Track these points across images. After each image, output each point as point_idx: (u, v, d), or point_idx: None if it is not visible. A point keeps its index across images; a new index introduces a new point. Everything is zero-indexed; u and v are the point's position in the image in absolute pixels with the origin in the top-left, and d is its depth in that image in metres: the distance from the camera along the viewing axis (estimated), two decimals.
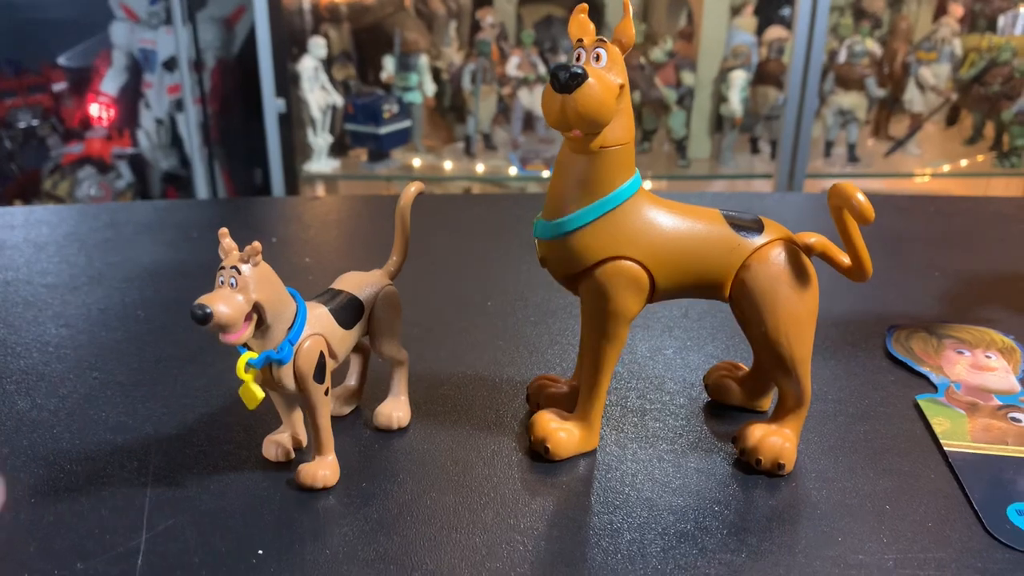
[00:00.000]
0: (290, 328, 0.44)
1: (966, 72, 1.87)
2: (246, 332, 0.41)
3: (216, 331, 0.40)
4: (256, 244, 0.41)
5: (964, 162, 1.89)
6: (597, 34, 0.45)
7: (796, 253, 0.47)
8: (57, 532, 0.43)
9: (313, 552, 0.42)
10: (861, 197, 0.44)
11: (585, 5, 0.46)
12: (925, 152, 1.93)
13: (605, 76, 0.43)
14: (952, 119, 1.99)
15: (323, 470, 0.47)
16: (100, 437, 0.51)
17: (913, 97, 1.86)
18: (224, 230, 0.42)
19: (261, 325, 0.42)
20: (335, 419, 0.53)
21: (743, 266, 0.47)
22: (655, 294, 0.48)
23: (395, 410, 0.52)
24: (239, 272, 0.41)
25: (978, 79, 1.85)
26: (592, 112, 0.42)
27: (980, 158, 1.90)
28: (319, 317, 0.46)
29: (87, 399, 0.55)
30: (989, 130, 1.92)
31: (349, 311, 0.48)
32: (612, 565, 0.41)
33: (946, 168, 1.88)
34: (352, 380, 0.55)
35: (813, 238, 0.48)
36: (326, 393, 0.46)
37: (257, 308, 0.41)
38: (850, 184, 0.45)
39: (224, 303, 0.40)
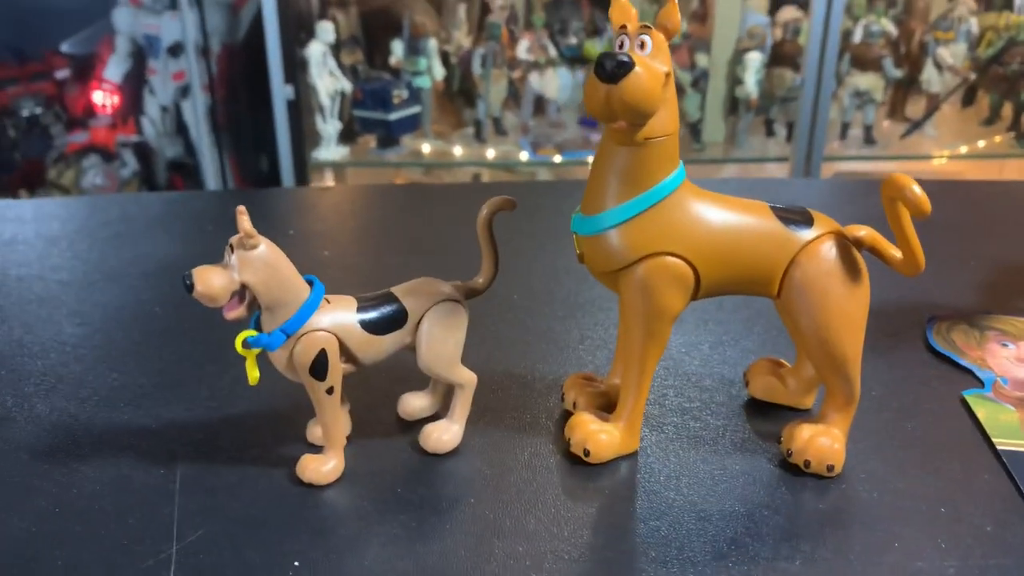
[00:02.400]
0: (291, 317, 0.43)
1: (984, 51, 1.84)
2: (237, 310, 0.43)
3: (204, 303, 0.42)
4: (246, 229, 0.41)
5: (981, 143, 1.86)
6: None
7: (847, 247, 0.45)
8: (84, 544, 0.41)
9: (350, 563, 0.40)
10: (917, 189, 0.42)
11: None
12: (942, 133, 1.90)
13: (651, 64, 0.41)
14: (969, 99, 1.96)
15: (319, 466, 0.46)
16: (123, 442, 0.50)
17: (930, 77, 1.83)
18: (242, 208, 0.41)
19: (256, 307, 0.43)
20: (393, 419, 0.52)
21: (793, 262, 0.45)
22: (700, 291, 0.46)
23: (443, 433, 0.49)
24: (232, 252, 0.42)
25: (996, 58, 1.82)
26: (639, 102, 0.40)
27: (997, 139, 1.87)
28: (337, 316, 0.44)
29: (108, 402, 0.54)
30: (1007, 110, 1.88)
31: (385, 317, 0.46)
32: None
33: (964, 150, 1.85)
34: (426, 393, 0.52)
35: (863, 231, 0.46)
36: (329, 392, 0.45)
37: (246, 289, 0.42)
38: (905, 176, 0.43)
39: (208, 277, 0.41)
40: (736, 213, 0.45)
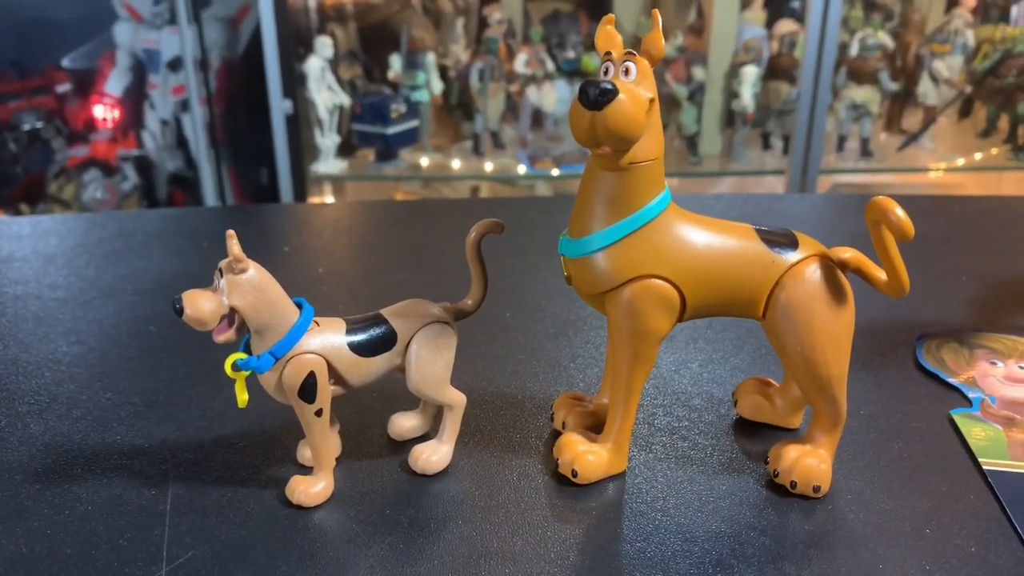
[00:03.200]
0: (280, 340, 0.44)
1: (980, 64, 1.85)
2: (226, 333, 0.43)
3: (194, 326, 0.42)
4: (235, 254, 0.42)
5: (978, 155, 1.87)
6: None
7: (831, 270, 0.46)
8: (76, 566, 0.42)
9: None
10: (900, 212, 0.43)
11: (612, 16, 0.44)
12: (938, 146, 1.91)
13: (635, 91, 0.41)
14: (965, 111, 1.96)
15: (308, 487, 0.46)
16: (116, 462, 0.50)
17: (927, 90, 1.83)
18: (231, 232, 0.42)
19: (245, 330, 0.44)
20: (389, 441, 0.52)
21: (778, 284, 0.45)
22: (686, 313, 0.46)
23: (433, 454, 0.49)
24: (221, 276, 0.42)
25: (992, 71, 1.83)
26: (623, 128, 0.41)
27: (994, 151, 1.88)
28: (327, 338, 0.45)
29: (101, 421, 0.54)
30: (1003, 123, 1.89)
31: (375, 339, 0.46)
32: None
33: (960, 162, 1.86)
34: (416, 413, 0.53)
35: (848, 253, 0.47)
36: (318, 414, 0.45)
37: (235, 313, 0.43)
38: (888, 199, 0.43)
39: (198, 301, 0.42)
40: (721, 236, 0.45)
